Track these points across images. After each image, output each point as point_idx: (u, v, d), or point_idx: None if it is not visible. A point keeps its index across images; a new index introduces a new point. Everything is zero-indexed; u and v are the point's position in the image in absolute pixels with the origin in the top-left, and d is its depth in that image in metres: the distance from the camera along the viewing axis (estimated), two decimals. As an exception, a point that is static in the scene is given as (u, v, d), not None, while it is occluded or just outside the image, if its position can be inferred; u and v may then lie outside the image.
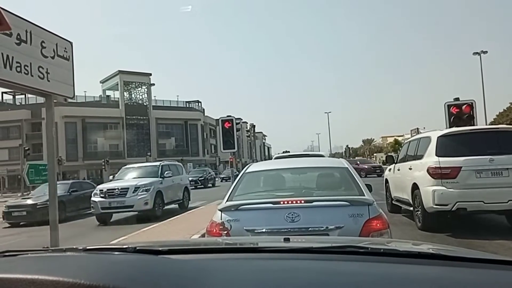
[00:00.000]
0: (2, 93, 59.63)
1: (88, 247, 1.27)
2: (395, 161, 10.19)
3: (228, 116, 12.68)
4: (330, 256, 1.20)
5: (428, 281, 0.96)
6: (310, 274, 0.99)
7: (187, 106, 72.01)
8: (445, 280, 0.98)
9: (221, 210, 3.69)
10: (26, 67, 4.67)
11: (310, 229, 3.36)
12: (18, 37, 4.58)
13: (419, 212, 7.81)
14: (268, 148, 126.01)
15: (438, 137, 7.55)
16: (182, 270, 0.95)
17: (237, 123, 13.13)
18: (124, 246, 1.23)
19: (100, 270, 0.87)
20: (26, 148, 32.36)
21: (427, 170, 7.35)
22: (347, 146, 54.55)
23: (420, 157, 8.08)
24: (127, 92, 62.23)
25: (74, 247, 1.28)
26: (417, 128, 29.47)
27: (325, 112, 75.29)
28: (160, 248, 1.24)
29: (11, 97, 60.47)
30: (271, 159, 18.73)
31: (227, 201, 3.87)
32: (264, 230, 3.40)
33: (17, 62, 4.54)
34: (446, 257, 1.18)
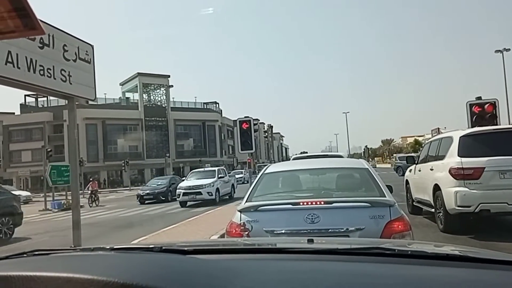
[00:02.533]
0: (25, 95, 61.03)
1: (115, 247, 1.29)
2: (416, 162, 10.04)
3: (246, 117, 12.70)
4: (356, 257, 1.18)
5: (458, 283, 0.94)
6: (337, 276, 0.98)
7: (205, 107, 72.44)
8: (474, 282, 0.95)
9: (240, 211, 3.69)
10: (49, 70, 4.77)
11: (330, 230, 3.33)
12: (41, 41, 4.68)
13: (441, 214, 7.67)
14: (286, 149, 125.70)
15: (460, 137, 7.40)
16: (210, 269, 0.95)
17: (254, 124, 13.15)
18: (151, 246, 1.24)
19: (132, 269, 0.88)
20: (49, 149, 32.94)
21: (449, 171, 7.21)
22: (365, 146, 53.97)
23: (441, 157, 7.93)
24: (146, 94, 62.97)
25: (101, 246, 1.30)
26: (438, 128, 28.95)
27: (343, 112, 74.75)
28: (185, 248, 1.24)
29: (33, 99, 61.81)
30: (289, 160, 18.67)
31: (246, 201, 3.87)
32: (283, 231, 3.38)
33: (40, 66, 4.64)
34: (475, 259, 1.15)
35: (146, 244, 1.39)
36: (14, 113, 60.80)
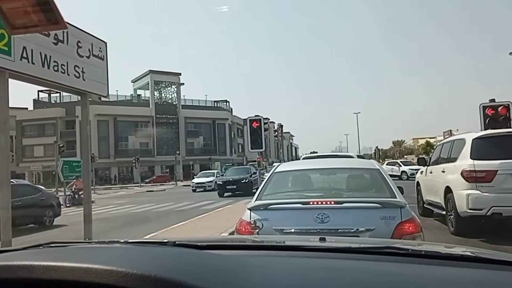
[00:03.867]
0: (38, 91, 61.80)
1: (129, 240, 1.30)
2: (427, 164, 9.95)
3: (256, 115, 12.69)
4: (369, 256, 1.18)
5: (471, 283, 0.94)
6: (350, 274, 0.98)
7: (215, 105, 72.63)
8: (488, 283, 0.95)
9: (250, 209, 3.69)
10: (63, 66, 4.82)
11: (340, 230, 3.32)
12: (56, 37, 4.73)
13: (452, 217, 7.59)
14: (296, 148, 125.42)
15: (473, 140, 7.32)
16: (224, 264, 0.96)
17: (265, 123, 13.13)
18: (164, 240, 1.25)
19: (149, 261, 0.89)
20: (61, 145, 33.41)
21: (461, 173, 7.13)
22: (376, 147, 53.60)
23: (453, 159, 7.85)
24: (157, 92, 63.35)
25: (116, 240, 1.32)
26: (450, 130, 28.70)
27: (354, 113, 74.27)
28: (199, 244, 1.25)
29: (46, 95, 62.55)
30: (299, 159, 18.64)
31: (256, 200, 3.87)
32: (293, 230, 3.38)
33: (54, 61, 4.70)
34: (488, 260, 1.14)
35: (160, 239, 1.41)
36: (27, 108, 61.57)
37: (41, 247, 1.24)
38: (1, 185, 4.05)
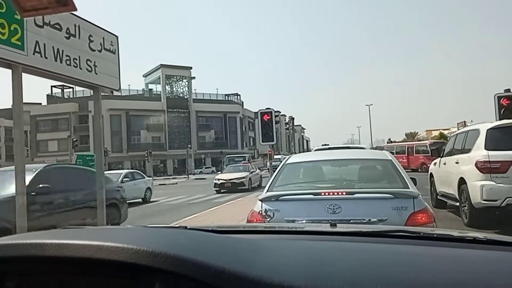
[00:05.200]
0: (52, 86, 62.55)
1: (141, 226, 1.32)
2: (441, 155, 9.85)
3: (267, 108, 12.67)
4: (380, 239, 1.17)
5: (485, 263, 0.93)
6: (360, 253, 0.98)
7: (227, 99, 72.67)
8: (501, 262, 0.94)
9: (261, 200, 3.70)
10: (75, 60, 4.86)
11: (351, 221, 3.30)
12: (67, 31, 4.76)
13: (466, 208, 7.52)
14: (307, 141, 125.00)
15: (487, 130, 7.21)
16: (235, 244, 0.97)
17: (276, 116, 13.10)
18: (176, 225, 1.27)
19: (161, 240, 0.90)
20: (74, 139, 33.84)
21: (475, 164, 7.05)
22: (389, 139, 53.26)
23: (467, 150, 7.76)
24: (169, 86, 63.61)
25: (129, 226, 1.34)
26: (464, 121, 28.27)
27: (366, 105, 73.59)
28: (209, 228, 1.26)
29: (59, 90, 63.27)
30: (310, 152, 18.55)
31: (267, 191, 3.87)
32: (304, 221, 3.38)
33: (66, 56, 4.73)
34: (501, 242, 1.13)
35: (171, 225, 1.42)
36: (41, 103, 62.40)
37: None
38: (17, 176, 4.13)
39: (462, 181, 7.67)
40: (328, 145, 14.09)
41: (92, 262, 0.79)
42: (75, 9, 0.90)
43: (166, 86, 63.09)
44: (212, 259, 0.77)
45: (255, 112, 60.76)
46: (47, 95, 63.38)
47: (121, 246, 0.78)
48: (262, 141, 12.71)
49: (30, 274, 0.90)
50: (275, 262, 0.85)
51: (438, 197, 9.75)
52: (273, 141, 12.65)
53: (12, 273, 0.89)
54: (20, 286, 0.90)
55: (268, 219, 3.48)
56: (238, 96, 75.67)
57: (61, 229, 1.25)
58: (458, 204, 8.02)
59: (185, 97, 64.30)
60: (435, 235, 1.28)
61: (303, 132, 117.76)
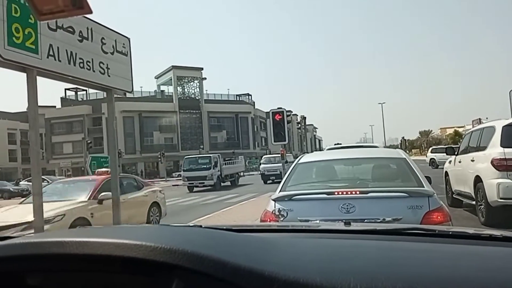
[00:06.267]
0: (65, 89, 63.36)
1: (157, 225, 1.33)
2: (456, 153, 9.73)
3: (278, 108, 12.65)
4: (395, 236, 1.16)
5: (501, 258, 0.91)
6: (375, 250, 0.97)
7: (238, 99, 72.79)
8: None
9: (274, 200, 3.69)
10: (88, 63, 4.91)
11: (366, 220, 3.27)
12: (80, 34, 4.82)
13: (482, 207, 7.41)
14: (319, 140, 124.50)
15: (503, 127, 7.09)
16: (250, 242, 0.97)
17: (287, 115, 13.06)
18: (190, 225, 1.28)
19: (178, 237, 0.92)
20: (88, 141, 34.30)
21: (491, 162, 6.94)
22: (402, 138, 52.68)
23: (483, 148, 7.64)
24: (180, 87, 63.97)
25: (145, 224, 1.35)
26: (479, 119, 27.88)
27: (379, 103, 72.97)
28: (224, 227, 1.26)
29: (73, 93, 64.10)
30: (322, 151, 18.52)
31: (280, 191, 3.86)
32: (318, 221, 3.36)
33: (80, 58, 4.79)
34: None
35: (186, 224, 1.43)
36: (55, 106, 63.31)
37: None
38: (33, 177, 4.21)
39: (478, 179, 7.56)
40: (340, 144, 14.02)
41: (112, 260, 0.81)
42: (91, 12, 0.91)
43: (178, 87, 63.46)
44: (228, 256, 0.77)
45: (266, 112, 60.69)
46: (61, 97, 64.26)
47: (139, 243, 0.79)
48: (274, 141, 12.68)
49: (51, 272, 0.91)
50: (290, 259, 0.85)
51: (453, 195, 9.63)
52: (285, 140, 12.62)
53: (34, 271, 0.91)
54: (42, 284, 0.91)
55: (282, 219, 3.47)
56: (250, 96, 75.72)
57: (79, 228, 1.27)
58: (474, 202, 7.91)
59: (197, 98, 64.61)
60: (450, 233, 1.26)
61: (315, 132, 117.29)
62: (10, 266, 0.88)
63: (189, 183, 24.88)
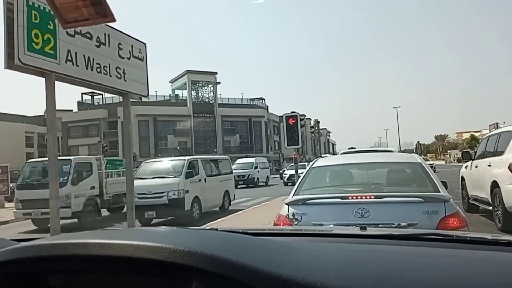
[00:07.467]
0: (82, 93, 64.28)
1: (175, 227, 1.35)
2: (473, 158, 9.58)
3: (292, 112, 12.63)
4: (411, 242, 1.16)
5: None
6: (391, 256, 0.97)
7: (251, 103, 72.87)
8: None
9: (288, 204, 3.69)
10: (105, 68, 5.00)
11: (380, 225, 3.25)
12: (98, 39, 4.91)
13: (499, 212, 7.29)
14: (333, 144, 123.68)
15: (521, 131, 6.98)
16: (266, 245, 0.98)
17: (301, 119, 13.03)
18: (207, 228, 1.29)
19: (197, 240, 0.93)
20: (104, 145, 34.66)
21: (509, 167, 6.82)
22: (418, 142, 51.99)
23: (500, 153, 7.52)
24: (195, 91, 64.34)
25: (163, 227, 1.38)
26: (497, 123, 27.42)
27: (394, 107, 72.28)
28: (240, 231, 1.27)
29: (89, 97, 64.98)
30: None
31: (293, 195, 3.86)
32: (332, 225, 3.35)
33: (97, 63, 4.88)
34: None
35: (202, 227, 1.45)
36: (72, 110, 64.22)
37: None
38: (50, 180, 4.28)
39: (495, 185, 7.44)
40: (354, 148, 13.91)
41: (132, 261, 0.82)
42: (114, 20, 0.93)
43: (192, 92, 63.82)
44: (247, 259, 0.78)
45: (280, 116, 60.70)
46: (78, 102, 65.19)
47: (159, 245, 0.81)
48: (288, 145, 12.67)
49: (73, 273, 0.93)
50: (307, 263, 0.86)
51: (470, 201, 9.48)
52: (298, 144, 12.60)
53: (57, 271, 0.93)
54: (64, 284, 0.93)
55: (296, 223, 3.46)
56: (263, 100, 75.74)
57: (100, 230, 1.29)
58: (491, 208, 7.79)
59: (211, 102, 64.89)
60: (468, 238, 1.25)
61: (329, 136, 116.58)
62: (34, 267, 0.90)
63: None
